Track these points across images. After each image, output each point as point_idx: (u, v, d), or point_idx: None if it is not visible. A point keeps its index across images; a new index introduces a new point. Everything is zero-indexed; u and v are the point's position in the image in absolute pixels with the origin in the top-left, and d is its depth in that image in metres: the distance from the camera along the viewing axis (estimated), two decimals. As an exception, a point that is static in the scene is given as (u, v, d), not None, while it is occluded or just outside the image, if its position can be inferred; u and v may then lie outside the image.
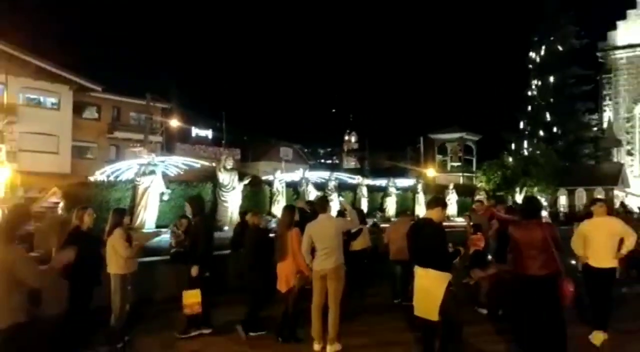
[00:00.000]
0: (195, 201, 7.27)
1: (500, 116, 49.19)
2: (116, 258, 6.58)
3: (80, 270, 6.46)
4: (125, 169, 16.41)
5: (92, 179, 16.52)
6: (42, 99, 32.39)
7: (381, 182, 27.37)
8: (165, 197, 14.36)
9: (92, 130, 35.03)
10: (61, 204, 13.87)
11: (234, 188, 14.88)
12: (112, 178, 16.26)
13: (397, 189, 26.00)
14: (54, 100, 32.66)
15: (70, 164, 32.23)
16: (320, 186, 21.06)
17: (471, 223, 8.95)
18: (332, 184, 20.91)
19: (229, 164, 15.18)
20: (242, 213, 10.22)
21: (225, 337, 6.67)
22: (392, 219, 21.39)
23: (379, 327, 7.21)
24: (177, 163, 16.52)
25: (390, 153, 61.98)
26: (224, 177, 14.82)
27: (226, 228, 13.82)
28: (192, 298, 6.56)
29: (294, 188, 20.45)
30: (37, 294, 4.58)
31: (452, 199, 26.55)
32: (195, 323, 6.75)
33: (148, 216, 13.44)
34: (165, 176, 14.79)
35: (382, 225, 15.23)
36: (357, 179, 25.18)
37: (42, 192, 18.73)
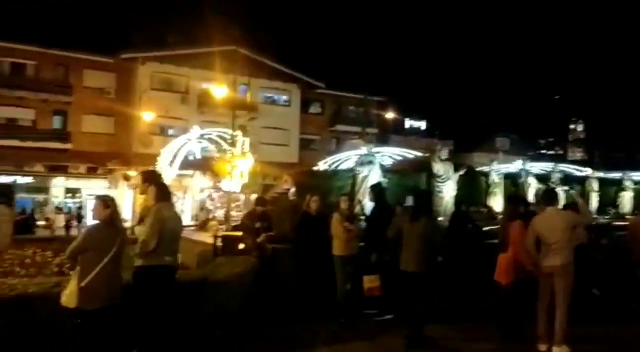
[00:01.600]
0: (374, 190, 7.70)
1: None
2: (337, 242, 7.16)
3: (309, 249, 7.23)
4: (344, 159, 17.49)
5: (316, 168, 17.98)
6: (276, 97, 36.56)
7: (615, 175, 24.38)
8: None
9: (316, 124, 38.14)
10: (292, 191, 15.43)
11: (449, 179, 14.78)
12: (333, 168, 17.45)
13: (636, 183, 22.87)
14: (286, 98, 36.65)
15: (298, 155, 35.77)
16: (542, 178, 19.65)
17: None
18: (556, 177, 19.33)
19: (444, 154, 15.12)
20: (458, 203, 10.16)
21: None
22: (628, 217, 18.93)
23: (617, 334, 6.49)
24: (391, 154, 17.00)
25: (626, 143, 54.38)
26: (439, 167, 14.81)
27: (441, 219, 13.79)
28: (372, 283, 6.86)
29: (512, 180, 19.44)
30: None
31: None
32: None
33: (367, 203, 14.14)
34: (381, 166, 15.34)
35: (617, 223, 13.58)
36: (585, 172, 22.78)
37: (277, 180, 21.08)
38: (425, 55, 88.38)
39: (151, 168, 15.49)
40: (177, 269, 5.42)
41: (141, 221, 5.18)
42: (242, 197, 30.07)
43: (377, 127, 39.51)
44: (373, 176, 14.22)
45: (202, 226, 18.74)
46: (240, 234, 8.57)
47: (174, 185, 19.03)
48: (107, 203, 4.69)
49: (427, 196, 7.93)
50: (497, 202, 17.14)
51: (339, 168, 17.12)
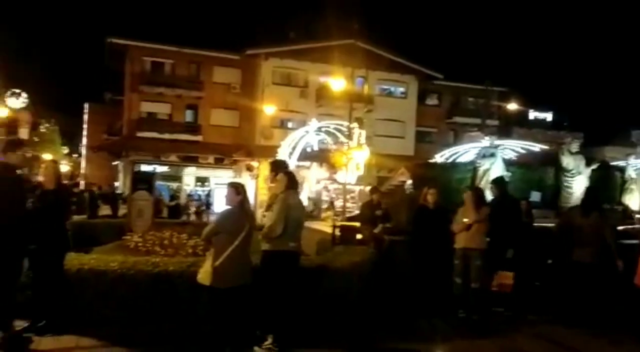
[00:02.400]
0: (496, 183, 7.50)
1: None
2: (459, 234, 7.07)
3: (426, 242, 7.21)
4: (462, 152, 16.99)
5: (432, 161, 17.67)
6: (392, 89, 36.32)
7: None
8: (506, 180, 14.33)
9: (432, 116, 37.31)
10: (409, 183, 15.33)
11: (579, 173, 13.76)
12: (450, 160, 17.03)
13: None
14: (402, 89, 36.26)
15: (413, 147, 35.31)
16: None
17: None
18: None
19: (574, 147, 14.07)
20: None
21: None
22: None
23: None
24: (515, 146, 16.22)
25: None
26: (568, 161, 13.84)
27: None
28: (505, 279, 6.72)
29: (651, 176, 17.58)
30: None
31: None
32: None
33: (488, 196, 13.68)
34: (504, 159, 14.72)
35: None
36: None
37: (392, 173, 21.04)
38: (551, 42, 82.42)
39: (277, 158, 16.25)
40: (300, 254, 5.69)
41: (269, 207, 5.50)
42: (357, 188, 30.38)
43: (498, 119, 37.74)
44: (495, 170, 13.68)
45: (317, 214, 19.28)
46: (357, 224, 8.72)
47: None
48: (238, 190, 5.04)
49: (596, 191, 7.79)
50: (633, 200, 15.67)
51: (457, 161, 16.69)
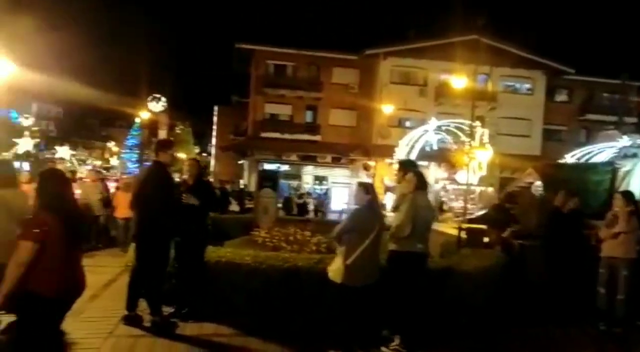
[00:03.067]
0: None
1: None
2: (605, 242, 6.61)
3: (562, 248, 6.77)
4: (597, 151, 15.71)
5: (563, 161, 16.52)
6: (517, 85, 34.50)
7: None
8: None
9: (562, 113, 34.86)
10: (537, 184, 14.46)
11: None
12: (583, 160, 15.82)
13: None
14: (528, 85, 34.31)
15: (540, 146, 33.24)
16: None
17: None
18: None
19: None
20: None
21: None
22: None
23: None
24: (661, 146, 14.65)
25: None
26: None
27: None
28: None
29: None
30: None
31: None
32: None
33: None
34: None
35: None
36: None
37: (516, 173, 19.99)
38: None
39: (407, 158, 16.15)
40: (427, 256, 5.62)
41: (396, 207, 5.50)
42: (478, 189, 29.25)
43: (638, 116, 34.27)
44: (638, 171, 12.50)
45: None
46: (484, 226, 8.42)
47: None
48: (367, 189, 5.11)
49: None
50: None
51: (591, 161, 15.48)
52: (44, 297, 3.43)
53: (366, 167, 31.05)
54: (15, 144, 24.64)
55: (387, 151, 28.44)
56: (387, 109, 30.01)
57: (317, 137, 32.86)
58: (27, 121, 38.73)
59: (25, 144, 23.88)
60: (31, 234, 3.41)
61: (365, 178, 31.24)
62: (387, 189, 29.15)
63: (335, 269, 4.97)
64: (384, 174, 28.05)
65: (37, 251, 3.42)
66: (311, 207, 26.55)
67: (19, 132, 33.40)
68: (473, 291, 6.21)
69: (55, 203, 3.58)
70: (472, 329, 5.98)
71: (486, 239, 8.17)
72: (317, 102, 33.48)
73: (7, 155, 28.59)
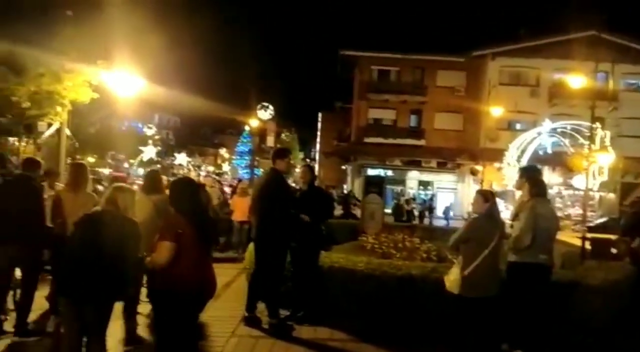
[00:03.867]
0: None
1: None
2: None
3: None
4: None
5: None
6: (641, 83, 31.71)
7: None
8: None
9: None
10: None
11: None
12: None
13: None
14: (652, 83, 31.38)
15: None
16: None
17: None
18: None
19: None
20: None
21: None
22: None
23: None
24: None
25: None
26: None
27: None
28: None
29: None
30: None
31: None
32: None
33: None
34: None
35: None
36: None
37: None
38: None
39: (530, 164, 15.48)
40: (551, 268, 5.34)
41: (516, 216, 5.29)
42: (596, 195, 27.19)
43: None
44: None
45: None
46: (612, 236, 7.82)
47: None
48: (486, 197, 4.96)
49: None
50: None
51: None
52: (181, 295, 3.72)
53: (473, 172, 30.11)
54: (141, 151, 26.94)
55: (495, 155, 27.36)
56: (496, 111, 28.88)
57: (422, 142, 32.40)
58: (150, 131, 42.12)
59: (149, 151, 26.02)
60: (170, 235, 3.71)
61: (472, 183, 30.29)
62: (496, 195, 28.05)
63: (452, 279, 4.88)
64: (493, 179, 27.04)
65: (175, 252, 3.71)
66: (416, 212, 26.20)
67: (143, 141, 36.39)
68: (600, 307, 5.80)
69: (188, 208, 3.87)
70: (596, 348, 5.59)
71: (614, 250, 7.59)
72: (421, 106, 33.02)
73: (133, 162, 31.28)
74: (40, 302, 5.65)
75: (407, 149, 32.04)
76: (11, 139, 24.36)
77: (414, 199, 29.44)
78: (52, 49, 11.87)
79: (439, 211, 29.78)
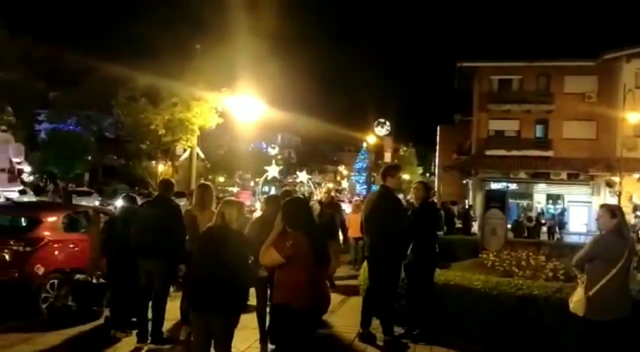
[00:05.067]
0: None
1: None
2: None
3: None
4: None
5: None
6: None
7: None
8: None
9: None
10: None
11: None
12: None
13: None
14: None
15: None
16: None
17: None
18: None
19: None
20: None
21: None
22: None
23: None
24: None
25: None
26: None
27: None
28: None
29: None
30: None
31: None
32: None
33: None
34: None
35: None
36: None
37: None
38: None
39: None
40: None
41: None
42: None
43: None
44: None
45: None
46: None
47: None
48: (613, 212, 4.59)
49: None
50: None
51: None
52: (298, 311, 3.88)
53: (610, 184, 27.67)
54: (265, 171, 28.43)
55: (634, 165, 24.92)
56: (633, 117, 26.31)
57: (549, 153, 30.45)
58: (273, 151, 44.22)
59: (273, 170, 27.37)
60: (280, 247, 3.91)
61: (608, 196, 27.78)
62: (636, 208, 25.42)
63: (576, 300, 4.55)
64: (632, 191, 24.60)
65: (289, 267, 3.89)
66: (544, 229, 24.58)
67: (267, 160, 38.29)
68: None
69: (302, 224, 4.05)
70: None
71: None
72: (547, 115, 31.12)
73: (259, 180, 33.02)
74: (175, 312, 6.18)
75: (533, 161, 30.29)
76: (153, 162, 27.00)
77: (542, 213, 27.67)
78: (183, 80, 13.08)
79: (572, 226, 27.65)
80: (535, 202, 31.14)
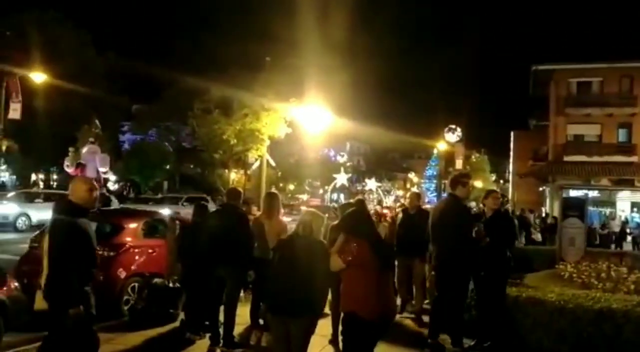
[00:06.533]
0: None
1: None
2: None
3: None
4: None
5: None
6: None
7: None
8: None
9: None
10: None
11: None
12: None
13: None
14: None
15: None
16: None
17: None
18: None
19: None
20: None
21: None
22: None
23: None
24: None
25: None
26: None
27: None
28: None
29: None
30: None
31: None
32: None
33: None
34: None
35: None
36: None
37: None
38: None
39: None
40: None
41: None
42: None
43: None
44: None
45: None
46: None
47: None
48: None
49: None
50: None
51: None
52: (365, 320, 3.90)
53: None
54: (333, 178, 28.59)
55: None
56: None
57: (634, 158, 28.73)
58: (342, 159, 44.39)
59: (341, 178, 27.46)
60: (342, 253, 3.97)
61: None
62: None
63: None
64: None
65: (351, 275, 3.94)
66: (629, 238, 23.07)
67: (336, 168, 38.51)
68: None
69: (364, 231, 4.10)
70: None
71: None
72: (631, 118, 29.41)
73: (328, 188, 33.31)
74: (246, 317, 6.37)
75: (616, 167, 28.63)
76: (226, 171, 27.93)
77: (626, 222, 25.97)
78: (253, 91, 13.52)
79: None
80: (619, 210, 29.33)
